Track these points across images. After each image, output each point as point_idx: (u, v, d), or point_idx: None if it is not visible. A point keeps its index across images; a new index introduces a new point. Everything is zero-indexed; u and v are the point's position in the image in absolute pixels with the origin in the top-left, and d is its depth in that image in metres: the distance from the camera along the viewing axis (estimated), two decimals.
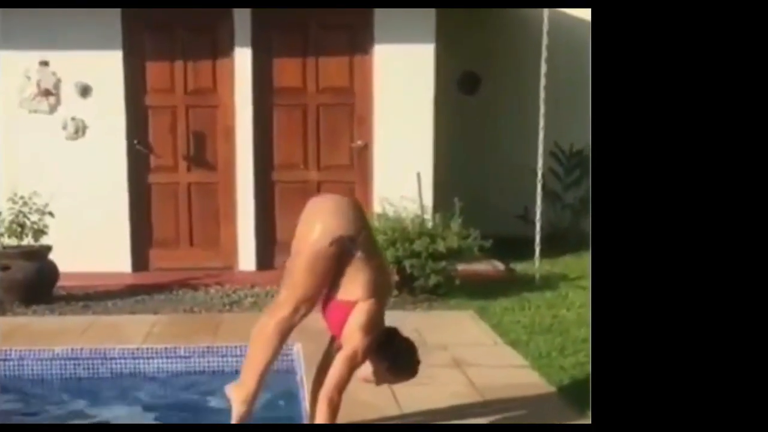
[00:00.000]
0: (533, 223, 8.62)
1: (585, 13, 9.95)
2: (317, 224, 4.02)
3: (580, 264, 8.93)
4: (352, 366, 4.03)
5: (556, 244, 9.43)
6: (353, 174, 8.88)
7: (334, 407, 4.01)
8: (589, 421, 4.38)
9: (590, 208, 10.00)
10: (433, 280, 7.48)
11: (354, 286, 4.02)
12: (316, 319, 7.07)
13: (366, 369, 4.15)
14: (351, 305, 4.03)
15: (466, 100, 10.69)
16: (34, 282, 7.52)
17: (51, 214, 7.67)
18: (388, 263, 4.40)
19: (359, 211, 4.22)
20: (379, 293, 4.09)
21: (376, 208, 8.34)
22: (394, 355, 4.16)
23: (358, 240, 4.02)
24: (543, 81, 8.24)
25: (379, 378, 4.18)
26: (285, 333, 4.17)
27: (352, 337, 4.00)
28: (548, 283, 8.14)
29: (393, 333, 4.21)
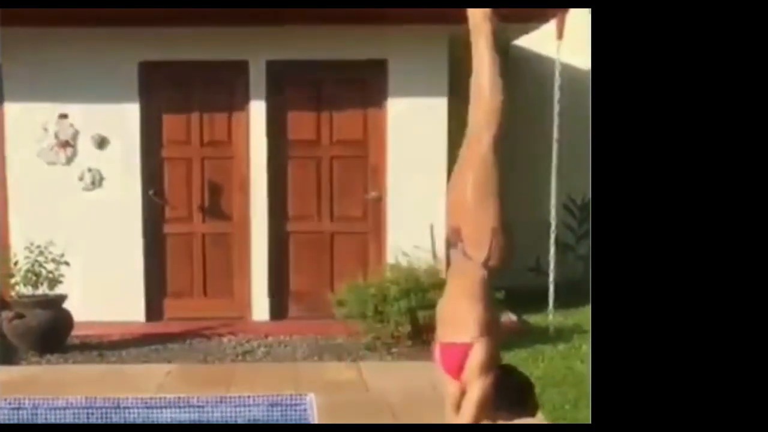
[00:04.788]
0: (545, 275, 8.62)
1: (586, 64, 10.02)
2: None
3: None
4: (484, 408, 3.82)
5: (569, 295, 9.42)
6: (367, 225, 8.93)
7: None
8: None
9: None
10: None
11: (469, 325, 3.83)
12: (328, 369, 7.11)
13: None
14: (467, 347, 3.82)
15: None
16: (49, 331, 7.56)
17: (67, 263, 7.73)
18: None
19: None
20: (494, 330, 3.90)
21: (390, 258, 8.38)
22: (512, 394, 3.93)
23: None
24: (555, 134, 8.31)
25: (493, 416, 3.92)
26: None
27: (477, 379, 3.80)
28: (562, 334, 8.12)
29: (511, 370, 4.02)
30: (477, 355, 3.79)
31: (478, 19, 3.89)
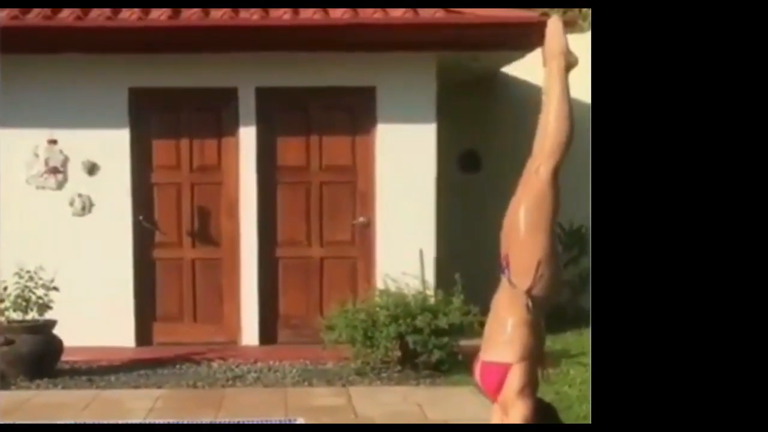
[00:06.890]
0: None
1: (586, 96, 10.12)
2: None
3: (581, 341, 8.94)
4: None
5: (556, 320, 9.44)
6: (356, 250, 8.97)
7: None
8: None
9: (590, 284, 10.12)
10: (436, 355, 7.51)
11: (510, 347, 3.80)
12: (318, 395, 7.12)
13: None
14: (506, 368, 3.79)
15: (467, 178, 10.81)
16: (39, 356, 7.56)
17: (56, 288, 7.74)
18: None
19: None
20: (536, 354, 3.86)
21: (379, 284, 8.42)
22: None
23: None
24: None
25: None
26: None
27: (516, 404, 3.77)
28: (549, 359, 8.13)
29: (549, 409, 4.02)
30: (515, 376, 3.77)
31: (555, 50, 3.91)
